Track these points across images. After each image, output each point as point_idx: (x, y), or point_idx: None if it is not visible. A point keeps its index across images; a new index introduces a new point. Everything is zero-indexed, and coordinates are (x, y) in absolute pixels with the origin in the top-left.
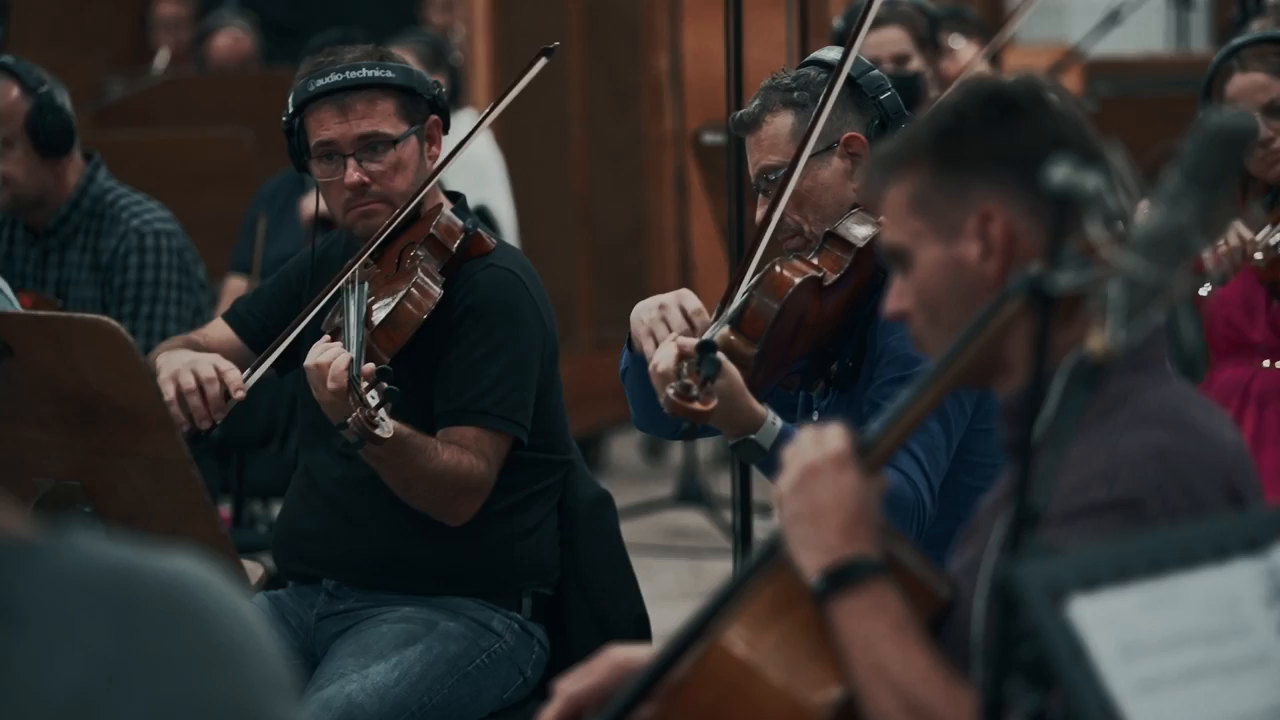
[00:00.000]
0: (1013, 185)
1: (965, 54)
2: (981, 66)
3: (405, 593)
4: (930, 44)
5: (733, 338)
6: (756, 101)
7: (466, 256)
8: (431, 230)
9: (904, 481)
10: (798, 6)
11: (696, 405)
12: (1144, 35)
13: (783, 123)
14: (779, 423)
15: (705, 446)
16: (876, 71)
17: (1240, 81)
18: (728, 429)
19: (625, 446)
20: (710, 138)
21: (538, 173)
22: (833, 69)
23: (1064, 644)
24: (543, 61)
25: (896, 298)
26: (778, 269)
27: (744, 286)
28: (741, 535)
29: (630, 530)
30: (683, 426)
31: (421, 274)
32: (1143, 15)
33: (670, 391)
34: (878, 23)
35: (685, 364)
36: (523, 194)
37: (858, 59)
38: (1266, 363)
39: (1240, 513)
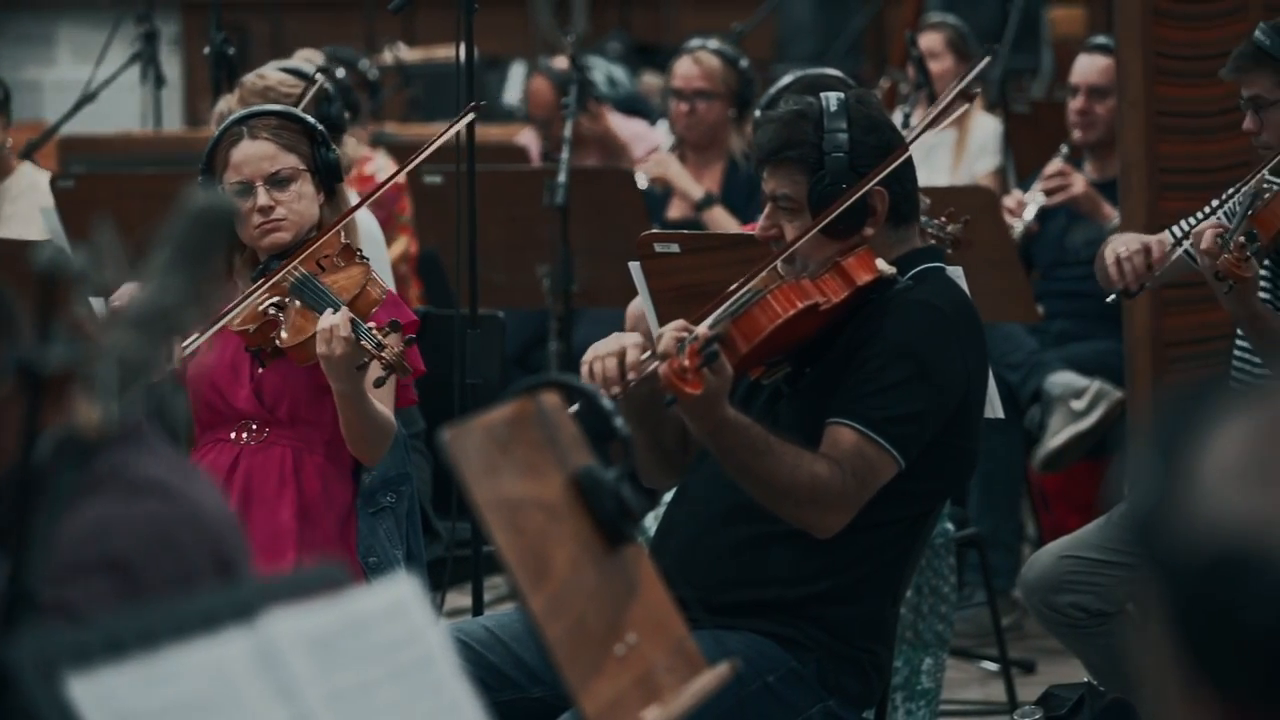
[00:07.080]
0: None
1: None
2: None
3: None
4: None
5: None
6: None
7: None
8: None
9: None
10: None
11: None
12: (119, 115)
13: None
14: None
15: None
16: None
17: (248, 149)
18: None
19: None
20: None
21: None
22: None
23: None
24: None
25: None
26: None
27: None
28: None
29: None
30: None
31: None
32: (118, 95)
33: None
34: None
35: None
36: None
37: None
38: (247, 437)
39: (233, 583)
